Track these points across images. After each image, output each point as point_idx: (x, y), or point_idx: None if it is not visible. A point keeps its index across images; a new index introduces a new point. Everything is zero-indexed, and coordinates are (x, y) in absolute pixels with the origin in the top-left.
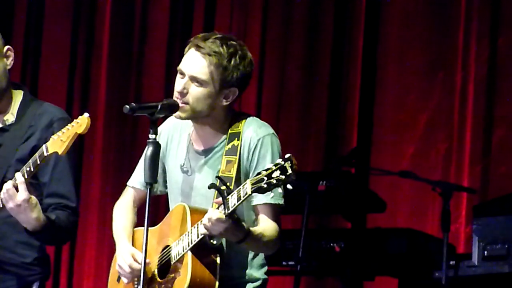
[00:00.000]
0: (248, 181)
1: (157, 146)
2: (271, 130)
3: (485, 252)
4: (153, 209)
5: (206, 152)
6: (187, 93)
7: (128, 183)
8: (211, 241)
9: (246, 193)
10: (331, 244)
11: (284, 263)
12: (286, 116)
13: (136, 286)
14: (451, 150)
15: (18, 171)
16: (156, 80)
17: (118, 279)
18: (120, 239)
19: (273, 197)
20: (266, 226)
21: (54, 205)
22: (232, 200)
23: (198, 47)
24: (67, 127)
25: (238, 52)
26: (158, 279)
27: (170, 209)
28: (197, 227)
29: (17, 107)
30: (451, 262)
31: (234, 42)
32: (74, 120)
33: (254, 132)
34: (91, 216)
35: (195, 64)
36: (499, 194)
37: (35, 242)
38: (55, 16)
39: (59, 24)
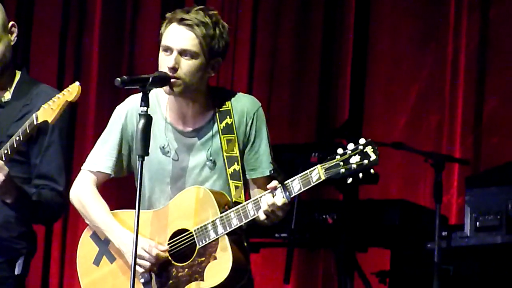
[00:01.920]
0: (319, 166)
1: (148, 118)
2: (258, 102)
3: (478, 223)
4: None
5: (195, 132)
6: (178, 68)
7: (86, 167)
8: (242, 224)
9: (319, 178)
10: (324, 216)
11: (276, 235)
12: (278, 88)
13: (140, 275)
14: (443, 121)
15: None
16: (148, 52)
17: (96, 261)
18: (114, 227)
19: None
20: None
21: (42, 186)
22: (296, 185)
23: (181, 20)
24: (57, 95)
25: (220, 21)
26: (176, 263)
27: (144, 191)
28: (238, 211)
29: (13, 86)
30: (444, 233)
31: (214, 12)
32: (65, 88)
33: (247, 107)
34: None
35: (183, 37)
36: (490, 165)
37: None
38: None
39: None
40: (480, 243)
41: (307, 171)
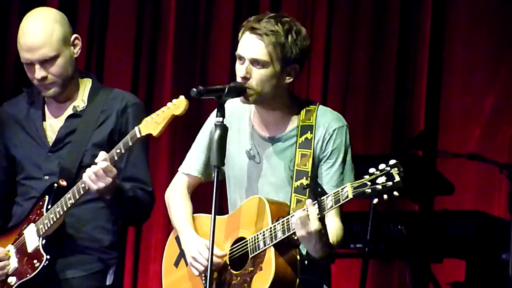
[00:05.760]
0: (348, 185)
1: (224, 128)
2: (345, 122)
3: None
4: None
5: (274, 139)
6: (250, 77)
7: (180, 169)
8: (295, 237)
9: (347, 197)
10: (399, 227)
11: (352, 246)
12: (353, 99)
13: (203, 279)
14: None
15: (95, 156)
16: (221, 63)
17: (176, 263)
18: (186, 229)
19: None
20: (336, 227)
21: (131, 188)
22: (329, 202)
23: (253, 29)
24: (162, 109)
25: (294, 28)
26: (232, 271)
27: (229, 197)
28: (283, 224)
29: (87, 94)
30: None
31: (287, 19)
32: (171, 102)
33: (329, 123)
34: (157, 197)
35: (254, 46)
36: None
37: (112, 226)
38: (121, 0)
39: (125, 7)
40: None
41: (339, 188)
